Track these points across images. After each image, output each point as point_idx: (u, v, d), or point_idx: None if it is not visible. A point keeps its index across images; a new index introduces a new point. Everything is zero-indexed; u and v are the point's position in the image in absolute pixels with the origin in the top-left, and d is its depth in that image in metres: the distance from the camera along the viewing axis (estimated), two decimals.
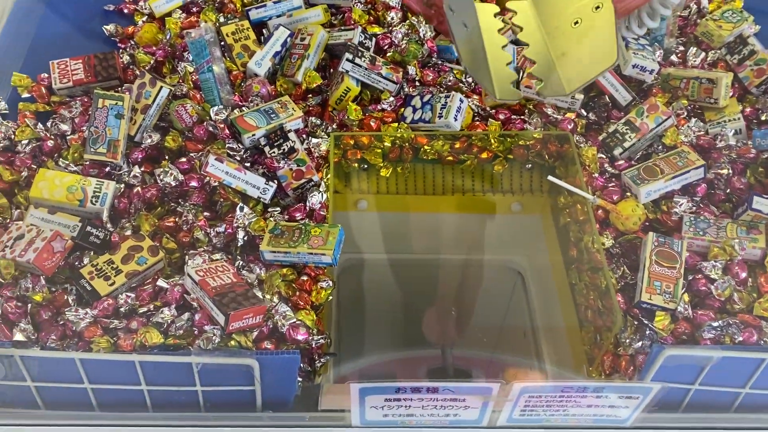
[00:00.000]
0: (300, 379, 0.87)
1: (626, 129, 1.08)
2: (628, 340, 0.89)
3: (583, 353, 1.03)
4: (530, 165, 1.16)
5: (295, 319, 0.85)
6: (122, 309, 0.86)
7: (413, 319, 1.28)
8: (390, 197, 1.20)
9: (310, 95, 1.16)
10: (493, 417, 0.83)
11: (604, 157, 1.08)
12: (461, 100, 1.09)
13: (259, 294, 0.86)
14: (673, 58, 1.20)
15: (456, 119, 1.08)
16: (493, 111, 1.14)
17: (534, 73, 0.89)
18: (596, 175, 1.05)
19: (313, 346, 0.86)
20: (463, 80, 1.18)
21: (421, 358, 1.16)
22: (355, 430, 0.85)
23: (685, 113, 1.12)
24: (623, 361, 0.90)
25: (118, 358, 0.80)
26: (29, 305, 0.85)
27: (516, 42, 0.92)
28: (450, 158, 1.14)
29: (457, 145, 1.12)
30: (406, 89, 1.15)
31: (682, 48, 1.22)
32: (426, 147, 1.12)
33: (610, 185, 1.04)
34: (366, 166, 1.15)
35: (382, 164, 1.14)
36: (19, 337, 0.82)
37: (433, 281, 1.31)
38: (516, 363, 1.13)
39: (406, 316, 1.29)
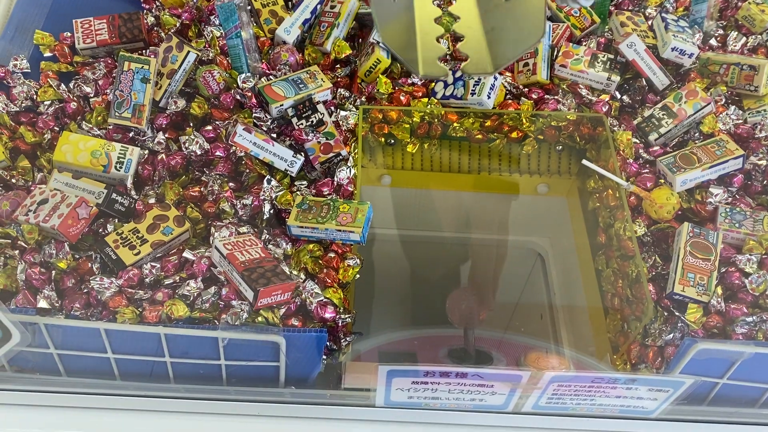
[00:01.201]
0: (324, 356, 0.86)
1: (663, 114, 1.05)
2: (657, 331, 0.88)
3: (606, 341, 1.01)
4: (560, 147, 1.13)
5: (322, 297, 0.84)
6: (147, 279, 0.84)
7: (431, 297, 1.27)
8: (414, 173, 1.18)
9: (338, 66, 1.13)
10: (518, 403, 0.82)
11: (638, 142, 1.06)
12: (495, 78, 1.06)
13: (286, 270, 0.85)
14: (713, 41, 1.17)
15: (489, 97, 1.05)
16: (526, 90, 1.11)
17: (461, 48, 0.85)
18: (630, 160, 1.02)
19: (339, 324, 0.85)
20: None
21: (441, 337, 1.15)
22: (378, 410, 0.84)
23: (723, 100, 1.09)
24: (651, 352, 0.89)
25: (144, 330, 0.79)
26: (53, 272, 0.84)
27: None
28: (479, 136, 1.11)
29: (488, 124, 1.09)
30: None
31: (721, 32, 1.19)
32: (455, 124, 1.09)
33: (644, 171, 1.02)
34: (392, 141, 1.12)
35: (409, 140, 1.11)
36: (42, 304, 0.81)
37: (452, 260, 1.30)
38: (538, 347, 1.12)
39: (424, 294, 1.28)
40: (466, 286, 1.21)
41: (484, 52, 0.85)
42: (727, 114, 1.05)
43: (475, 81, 1.06)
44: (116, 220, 0.90)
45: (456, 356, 1.04)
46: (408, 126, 1.09)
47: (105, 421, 0.84)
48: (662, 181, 1.00)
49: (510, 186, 1.20)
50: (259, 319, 0.80)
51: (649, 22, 1.18)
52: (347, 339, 0.86)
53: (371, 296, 1.19)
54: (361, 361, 0.95)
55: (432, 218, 1.28)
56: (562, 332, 1.18)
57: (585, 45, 1.15)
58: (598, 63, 1.10)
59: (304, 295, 0.83)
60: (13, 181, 0.94)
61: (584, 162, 1.01)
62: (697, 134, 1.05)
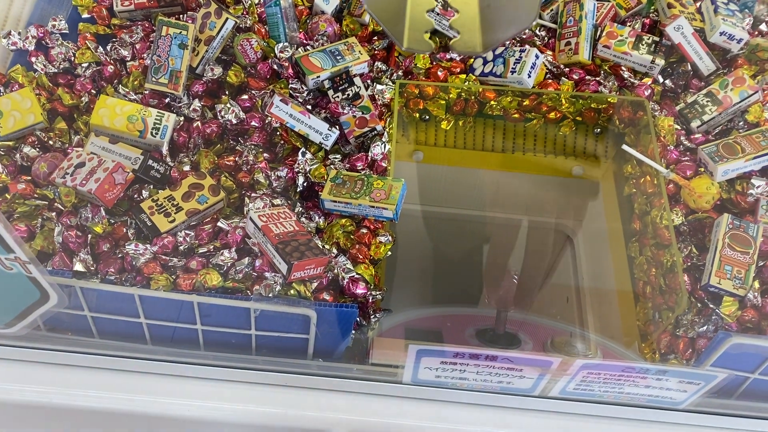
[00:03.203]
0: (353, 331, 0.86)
1: (707, 101, 1.02)
2: (690, 323, 0.87)
3: (635, 328, 1.01)
4: (599, 129, 1.11)
5: (354, 273, 0.84)
6: (181, 247, 0.85)
7: (456, 275, 1.27)
8: (447, 150, 1.17)
9: (376, 38, 1.11)
10: (546, 387, 0.82)
11: (679, 128, 1.03)
12: (537, 56, 1.04)
13: (320, 244, 0.85)
14: (763, 26, 1.13)
15: (529, 76, 1.03)
16: (567, 70, 1.09)
17: (453, 24, 0.82)
18: (671, 147, 1.00)
19: (369, 301, 0.85)
20: (537, 33, 1.12)
21: (466, 317, 1.15)
22: (404, 386, 0.85)
23: None
24: (681, 343, 0.88)
25: (178, 298, 0.80)
26: (89, 236, 0.85)
27: None
28: (516, 116, 1.09)
29: (526, 103, 1.07)
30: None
31: None
32: (492, 102, 1.07)
33: (684, 159, 0.99)
34: (427, 117, 1.11)
35: (444, 116, 1.10)
36: (78, 267, 0.82)
37: (479, 239, 1.29)
38: (565, 331, 1.11)
39: (449, 272, 1.27)
40: (510, 269, 1.20)
41: (476, 30, 0.82)
42: None
43: (516, 59, 1.04)
44: (151, 187, 0.90)
45: (484, 337, 1.03)
46: (444, 102, 1.08)
47: (135, 383, 0.86)
48: (702, 169, 0.98)
49: (544, 167, 1.18)
50: (292, 292, 0.81)
51: (697, 4, 1.14)
52: (376, 315, 0.86)
53: (395, 271, 1.19)
54: (385, 336, 0.95)
55: (462, 196, 1.27)
56: (588, 317, 1.18)
57: (629, 26, 1.12)
58: (643, 45, 1.07)
59: (336, 270, 0.83)
60: (50, 142, 0.94)
61: (624, 147, 0.99)
62: (741, 123, 1.02)
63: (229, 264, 0.82)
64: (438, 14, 1.06)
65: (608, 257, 1.14)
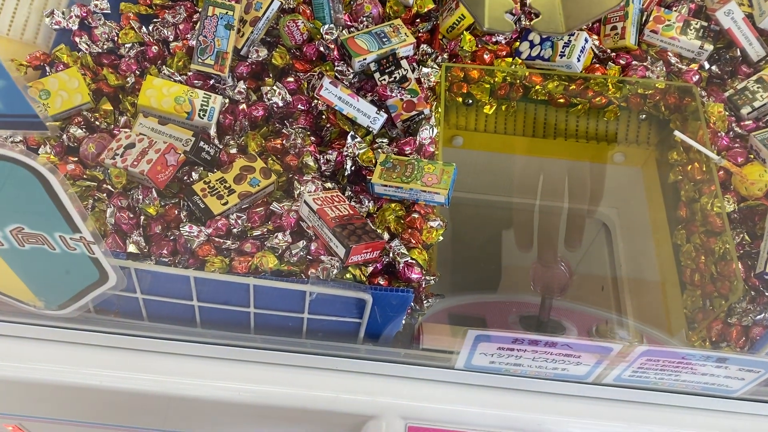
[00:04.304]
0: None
1: (757, 87, 1.01)
2: (744, 311, 0.86)
3: (681, 316, 1.00)
4: (644, 116, 1.10)
5: (409, 258, 0.83)
6: (234, 230, 0.84)
7: (496, 262, 1.26)
8: (488, 136, 1.16)
9: (419, 20, 1.10)
10: (601, 374, 0.82)
11: (729, 115, 1.02)
12: (586, 40, 1.02)
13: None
14: None
15: (579, 60, 1.01)
16: (614, 54, 1.07)
17: (533, 3, 0.81)
18: (722, 133, 0.99)
19: (422, 286, 0.85)
20: None
21: (505, 303, 1.14)
22: (457, 372, 0.84)
23: None
24: (734, 330, 0.87)
25: (235, 280, 0.79)
26: (141, 217, 0.84)
27: None
28: (561, 100, 1.08)
29: (572, 87, 1.06)
30: (524, 21, 1.08)
31: None
32: (538, 87, 1.06)
33: (734, 146, 0.98)
34: (470, 101, 1.10)
35: (487, 101, 1.09)
36: (132, 249, 0.81)
37: (517, 225, 1.28)
38: (607, 319, 1.11)
39: (489, 259, 1.27)
40: (557, 257, 1.19)
41: (558, 10, 0.82)
42: None
43: (565, 42, 1.02)
44: (201, 169, 0.89)
45: (528, 324, 1.03)
46: (488, 86, 1.07)
47: (184, 366, 0.85)
48: (753, 156, 0.97)
49: (585, 153, 1.17)
50: (348, 275, 0.80)
51: None
52: (429, 301, 0.86)
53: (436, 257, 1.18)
54: (429, 322, 0.95)
55: (500, 182, 1.26)
56: (627, 305, 1.17)
57: (676, 10, 1.10)
58: (691, 30, 1.06)
59: (391, 255, 0.83)
60: (97, 123, 0.93)
61: (676, 133, 0.98)
62: None
63: (284, 247, 0.82)
64: None
65: (650, 245, 1.13)
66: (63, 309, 0.81)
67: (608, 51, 1.07)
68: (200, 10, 0.99)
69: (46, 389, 0.86)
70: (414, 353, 0.88)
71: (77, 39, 1.01)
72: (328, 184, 0.88)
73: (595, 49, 1.07)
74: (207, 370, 0.85)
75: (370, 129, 0.96)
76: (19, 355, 0.84)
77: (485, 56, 1.05)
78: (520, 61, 1.05)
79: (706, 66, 1.07)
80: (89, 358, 0.85)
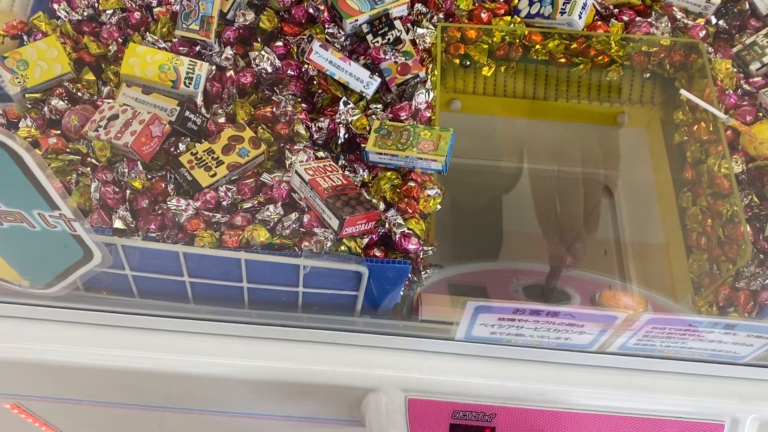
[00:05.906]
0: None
1: (767, 42, 0.96)
2: (753, 275, 0.83)
3: (687, 281, 0.97)
4: (648, 74, 1.06)
5: (405, 228, 0.80)
6: (223, 203, 0.81)
7: (497, 229, 1.23)
8: (487, 99, 1.12)
9: None
10: (605, 342, 0.80)
11: (737, 71, 0.98)
12: None
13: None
14: None
15: (580, 17, 0.97)
16: (616, 11, 1.03)
17: None
18: (730, 91, 0.95)
19: (420, 257, 0.82)
20: None
21: (508, 271, 1.12)
22: (457, 343, 0.82)
23: None
24: (742, 295, 0.85)
25: (225, 255, 0.76)
26: (127, 191, 0.81)
27: None
28: (562, 60, 1.04)
29: (574, 46, 1.02)
30: None
31: None
32: (538, 46, 1.02)
33: (743, 104, 0.94)
34: (468, 62, 1.06)
35: (485, 62, 1.04)
36: (118, 224, 0.78)
37: (518, 191, 1.25)
38: (610, 285, 1.08)
39: (490, 226, 1.24)
40: (570, 225, 1.16)
41: None
42: None
43: None
44: (188, 140, 0.86)
45: (533, 292, 1.00)
46: (486, 47, 1.02)
47: (179, 343, 0.83)
48: (762, 114, 0.93)
49: (587, 115, 1.13)
50: (342, 248, 0.77)
51: None
52: (427, 272, 0.83)
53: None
54: (428, 292, 0.92)
55: (501, 146, 1.23)
56: (631, 270, 1.14)
57: None
58: None
59: (387, 225, 0.80)
60: (79, 94, 0.90)
61: (682, 92, 0.94)
62: None
63: (275, 220, 0.79)
64: None
65: (654, 208, 1.10)
66: (50, 288, 0.78)
67: (611, 7, 1.03)
68: None
69: (40, 368, 0.84)
70: (413, 325, 0.86)
71: (56, 6, 0.96)
72: (321, 153, 0.85)
73: (597, 6, 1.03)
74: (201, 346, 0.83)
75: (364, 94, 0.92)
76: (11, 334, 0.82)
77: (483, 15, 1.00)
78: (519, 19, 1.01)
79: (713, 20, 1.02)
80: (81, 336, 0.83)
